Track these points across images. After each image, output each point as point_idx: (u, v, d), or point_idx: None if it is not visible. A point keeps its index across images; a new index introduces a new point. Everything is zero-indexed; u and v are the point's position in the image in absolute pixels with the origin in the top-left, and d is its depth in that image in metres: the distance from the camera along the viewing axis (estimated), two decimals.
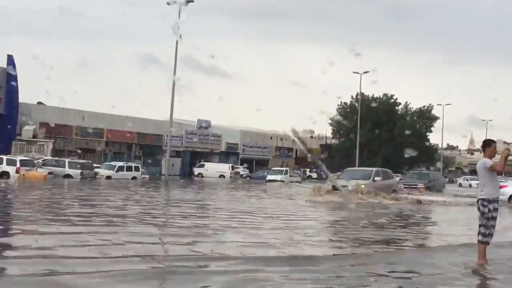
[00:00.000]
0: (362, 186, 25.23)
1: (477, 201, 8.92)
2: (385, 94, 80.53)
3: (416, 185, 36.67)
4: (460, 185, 68.16)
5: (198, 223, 13.80)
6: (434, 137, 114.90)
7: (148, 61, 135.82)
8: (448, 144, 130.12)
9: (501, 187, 30.08)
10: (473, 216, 10.91)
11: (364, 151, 72.24)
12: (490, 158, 8.85)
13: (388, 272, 8.06)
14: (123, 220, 13.75)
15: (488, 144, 8.93)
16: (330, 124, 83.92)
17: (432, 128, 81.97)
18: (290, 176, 56.11)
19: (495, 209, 8.72)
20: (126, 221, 13.72)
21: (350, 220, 16.76)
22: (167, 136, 56.85)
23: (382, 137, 75.65)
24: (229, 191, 31.62)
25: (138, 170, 44.97)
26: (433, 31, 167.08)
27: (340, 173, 30.52)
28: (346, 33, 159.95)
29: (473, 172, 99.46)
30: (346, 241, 11.54)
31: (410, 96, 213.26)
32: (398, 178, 39.49)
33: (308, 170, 74.14)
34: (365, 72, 63.37)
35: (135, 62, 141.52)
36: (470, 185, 64.12)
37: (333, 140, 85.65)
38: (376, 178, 26.97)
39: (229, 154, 71.94)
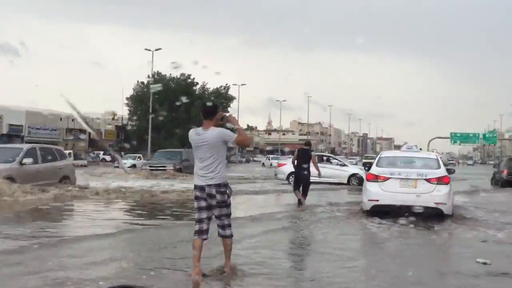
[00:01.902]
0: None
1: (202, 188, 6.29)
2: (182, 74, 79.07)
3: (164, 166, 32.53)
4: (263, 164, 68.32)
5: None
6: None
7: None
8: (248, 125, 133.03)
9: (280, 165, 29.04)
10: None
11: (161, 133, 70.31)
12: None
13: None
14: None
15: (216, 111, 6.49)
16: (127, 104, 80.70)
17: (230, 109, 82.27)
18: (74, 159, 51.85)
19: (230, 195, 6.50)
20: None
21: None
22: None
23: (179, 118, 74.06)
24: None
25: None
26: (234, 14, 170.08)
27: None
28: (146, 14, 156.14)
29: (270, 152, 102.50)
30: None
31: (209, 77, 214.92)
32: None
33: (102, 152, 70.21)
34: (157, 50, 61.43)
35: None
36: (271, 165, 64.72)
37: (129, 122, 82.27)
38: (25, 160, 16.92)
39: (12, 137, 65.43)
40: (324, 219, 12.61)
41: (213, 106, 6.76)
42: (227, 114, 6.65)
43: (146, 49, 61.84)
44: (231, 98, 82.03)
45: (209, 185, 6.24)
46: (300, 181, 15.13)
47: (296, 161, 15.24)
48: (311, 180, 15.41)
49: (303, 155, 15.15)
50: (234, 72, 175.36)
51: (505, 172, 30.66)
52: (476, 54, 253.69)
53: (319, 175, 15.63)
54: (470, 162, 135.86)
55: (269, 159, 70.90)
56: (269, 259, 7.63)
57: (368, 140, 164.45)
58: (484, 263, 7.67)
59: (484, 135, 74.83)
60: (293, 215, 13.37)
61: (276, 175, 27.74)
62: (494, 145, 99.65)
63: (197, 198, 6.38)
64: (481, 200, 19.36)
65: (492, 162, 65.91)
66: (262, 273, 6.73)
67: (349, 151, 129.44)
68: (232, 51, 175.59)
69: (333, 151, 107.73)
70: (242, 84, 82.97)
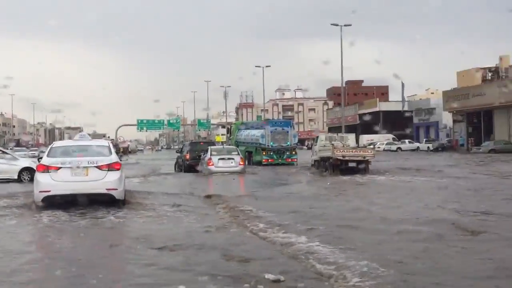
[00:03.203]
0: None
1: None
2: None
3: None
4: None
5: None
6: None
7: None
8: None
9: None
10: None
11: None
12: None
13: None
14: None
15: None
16: None
17: None
18: None
19: None
20: None
21: None
22: None
23: None
24: None
25: None
26: None
27: None
28: None
29: None
30: None
31: None
32: None
33: None
34: None
35: None
36: None
37: None
38: None
39: None
40: None
41: None
42: None
43: None
44: None
45: None
46: None
47: None
48: None
49: None
50: None
51: (187, 156, 31.23)
52: (159, 49, 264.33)
53: None
54: (158, 147, 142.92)
55: None
56: None
57: (56, 130, 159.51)
58: (278, 280, 5.95)
59: (168, 121, 78.70)
60: None
61: None
62: (178, 130, 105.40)
63: None
64: (153, 185, 20.17)
65: (177, 147, 69.71)
66: None
67: (36, 142, 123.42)
68: None
69: (18, 143, 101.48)
70: None
